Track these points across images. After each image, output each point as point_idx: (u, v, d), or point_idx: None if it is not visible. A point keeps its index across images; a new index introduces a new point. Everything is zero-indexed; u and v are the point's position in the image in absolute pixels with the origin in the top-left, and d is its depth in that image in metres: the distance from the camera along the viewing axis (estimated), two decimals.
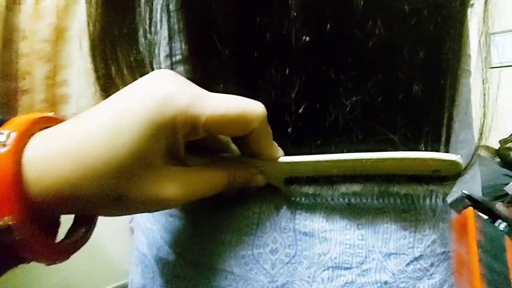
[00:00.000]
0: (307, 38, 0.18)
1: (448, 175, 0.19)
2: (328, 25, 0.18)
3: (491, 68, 0.22)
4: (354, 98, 0.18)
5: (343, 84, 0.18)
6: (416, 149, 0.19)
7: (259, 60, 0.19)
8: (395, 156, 0.18)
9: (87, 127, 0.15)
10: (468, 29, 0.22)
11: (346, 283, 0.19)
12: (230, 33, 0.19)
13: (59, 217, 0.19)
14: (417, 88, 0.18)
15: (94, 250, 1.42)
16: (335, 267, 0.19)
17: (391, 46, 0.18)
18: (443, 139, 0.20)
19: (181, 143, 0.17)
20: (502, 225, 0.16)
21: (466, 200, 0.17)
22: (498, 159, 1.74)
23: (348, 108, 0.18)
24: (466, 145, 0.24)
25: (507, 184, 1.44)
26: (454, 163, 0.17)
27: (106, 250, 1.48)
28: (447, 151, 0.20)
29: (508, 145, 1.64)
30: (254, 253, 0.20)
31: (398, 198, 0.20)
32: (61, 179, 0.14)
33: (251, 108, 0.17)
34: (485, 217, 0.16)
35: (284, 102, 0.19)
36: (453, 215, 0.18)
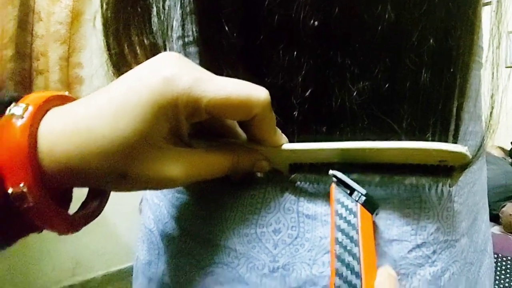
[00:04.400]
0: (316, 22, 0.18)
1: (455, 165, 0.19)
2: (337, 9, 0.18)
3: (507, 67, 0.22)
4: (360, 84, 0.18)
5: (350, 69, 0.18)
6: (423, 139, 0.18)
7: (266, 43, 0.19)
8: (398, 146, 0.18)
9: (96, 107, 0.16)
10: (480, 18, 0.21)
11: None
12: (238, 15, 0.19)
13: (71, 192, 0.20)
14: (426, 76, 0.18)
15: (105, 230, 1.46)
16: None
17: (400, 31, 0.18)
18: (451, 129, 0.19)
19: (184, 124, 0.17)
20: (357, 196, 0.19)
21: (333, 178, 0.19)
22: (510, 160, 1.74)
23: (354, 94, 0.18)
24: (475, 137, 0.23)
25: None
26: (460, 154, 0.17)
27: (117, 231, 1.52)
28: (455, 142, 0.20)
29: None
30: (257, 232, 0.21)
31: (402, 187, 0.20)
32: (70, 153, 0.15)
33: (254, 93, 0.17)
34: (347, 190, 0.19)
35: (290, 86, 0.19)
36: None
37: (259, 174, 0.22)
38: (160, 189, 0.19)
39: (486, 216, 0.26)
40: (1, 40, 1.00)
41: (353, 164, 0.20)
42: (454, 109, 0.19)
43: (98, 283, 1.47)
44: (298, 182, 0.21)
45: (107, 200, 0.21)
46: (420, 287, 0.19)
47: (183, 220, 0.24)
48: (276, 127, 0.19)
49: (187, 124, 0.18)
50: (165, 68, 0.16)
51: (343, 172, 0.20)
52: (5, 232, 0.16)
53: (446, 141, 0.19)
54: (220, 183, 0.21)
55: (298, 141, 0.20)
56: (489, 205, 0.27)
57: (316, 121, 0.19)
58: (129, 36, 0.22)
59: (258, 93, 0.17)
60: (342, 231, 0.17)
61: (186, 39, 0.22)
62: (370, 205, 0.18)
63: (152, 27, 0.22)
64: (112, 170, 0.16)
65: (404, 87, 0.18)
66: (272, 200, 0.21)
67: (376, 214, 0.19)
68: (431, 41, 0.18)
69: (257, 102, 0.17)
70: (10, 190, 0.14)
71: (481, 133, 0.24)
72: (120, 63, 0.23)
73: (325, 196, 0.20)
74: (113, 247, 1.54)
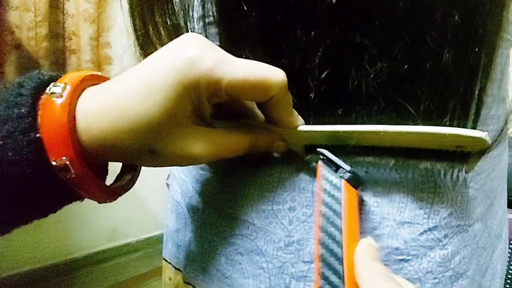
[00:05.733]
0: (333, 0, 0.17)
1: (472, 151, 0.18)
2: None
3: None
4: (378, 65, 0.18)
5: (368, 49, 0.18)
6: (440, 123, 0.18)
7: (284, 22, 0.19)
8: (414, 130, 0.17)
9: (127, 87, 0.17)
10: None
11: None
12: None
13: (106, 166, 0.22)
14: (448, 56, 0.17)
15: (136, 203, 1.57)
16: None
17: (423, 7, 0.17)
18: (472, 113, 0.19)
19: (206, 104, 0.18)
20: (341, 172, 0.19)
21: (320, 156, 0.20)
22: None
23: (371, 76, 0.18)
24: (497, 121, 0.22)
25: None
26: (479, 140, 0.17)
27: (147, 203, 1.63)
28: (475, 126, 0.19)
29: None
30: (273, 208, 0.22)
31: (417, 171, 0.20)
32: (104, 130, 0.17)
33: (271, 75, 0.17)
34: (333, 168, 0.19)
35: (307, 67, 0.19)
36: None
37: (276, 154, 0.22)
38: (184, 165, 0.20)
39: (503, 201, 0.26)
40: (35, 18, 1.04)
41: (368, 147, 0.20)
42: (476, 92, 0.18)
43: (132, 248, 1.60)
44: (314, 163, 0.21)
45: (138, 174, 0.23)
46: (429, 267, 0.20)
47: (206, 195, 0.26)
48: (293, 109, 0.20)
49: (208, 105, 0.18)
50: (188, 50, 0.17)
51: (358, 155, 0.20)
52: (50, 200, 0.18)
53: (465, 125, 0.19)
54: (239, 161, 0.22)
55: (314, 123, 0.20)
56: (508, 191, 0.27)
57: (332, 103, 0.20)
58: (153, 17, 0.23)
59: (275, 75, 0.17)
60: (326, 204, 0.18)
61: (206, 20, 0.22)
62: (355, 181, 0.19)
63: (175, 7, 0.23)
64: (142, 146, 0.17)
65: (424, 68, 0.18)
66: (288, 180, 0.22)
67: (362, 190, 0.20)
68: (456, 17, 0.17)
69: (274, 84, 0.17)
70: (54, 163, 0.16)
71: (504, 117, 0.23)
72: (146, 44, 0.24)
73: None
74: (143, 217, 1.65)
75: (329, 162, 0.19)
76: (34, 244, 1.29)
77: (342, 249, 0.17)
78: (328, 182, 0.19)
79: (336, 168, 0.19)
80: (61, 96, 0.16)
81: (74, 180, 0.17)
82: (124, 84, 0.17)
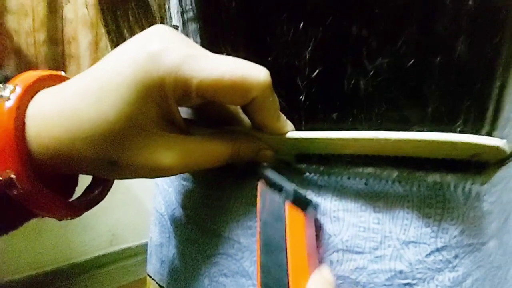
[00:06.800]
0: None
1: (489, 160, 0.16)
2: None
3: None
4: (379, 61, 0.15)
5: (366, 42, 0.15)
6: (452, 128, 0.16)
7: (268, 13, 0.16)
8: (420, 137, 0.15)
9: (83, 86, 0.15)
10: None
11: (356, 268, 0.18)
12: None
13: (76, 177, 0.20)
14: (461, 48, 0.15)
15: (137, 208, 1.58)
16: (346, 250, 0.18)
17: None
18: (488, 116, 0.16)
19: (175, 108, 0.16)
20: (285, 194, 0.16)
21: (261, 173, 0.17)
22: None
23: (371, 73, 0.16)
24: None
25: None
26: (497, 148, 0.14)
27: (147, 208, 1.64)
28: (492, 131, 0.16)
29: None
30: None
31: (423, 184, 0.17)
32: (57, 137, 0.15)
33: (251, 73, 0.15)
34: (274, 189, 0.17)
35: (295, 65, 0.16)
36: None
37: (264, 164, 0.20)
38: (153, 178, 0.18)
39: None
40: (33, 23, 1.04)
41: (368, 156, 0.17)
42: (495, 91, 0.16)
43: (132, 253, 1.61)
44: (307, 173, 0.19)
45: (110, 186, 0.21)
46: None
47: (189, 208, 0.24)
48: (280, 113, 0.17)
49: (177, 108, 0.16)
50: (152, 43, 0.15)
51: (355, 166, 0.18)
52: (4, 218, 0.16)
53: (480, 130, 0.16)
54: (224, 171, 0.20)
55: (305, 129, 0.18)
56: None
57: (325, 106, 0.17)
58: (126, 11, 0.21)
59: (256, 74, 0.15)
60: (266, 235, 0.16)
61: (185, 16, 0.20)
62: (301, 203, 0.16)
63: (151, 6, 0.21)
64: (101, 157, 0.15)
65: (433, 63, 0.15)
66: None
67: (310, 212, 0.17)
68: (470, 1, 0.14)
69: (255, 84, 0.15)
70: None
71: None
72: (119, 42, 0.22)
73: (336, 190, 0.19)
74: (144, 222, 1.66)
75: (270, 184, 0.17)
76: (35, 249, 1.32)
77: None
78: (269, 210, 0.16)
79: (279, 189, 0.16)
80: (8, 99, 0.14)
81: (23, 196, 0.14)
82: (80, 84, 0.15)
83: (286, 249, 0.15)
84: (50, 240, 1.34)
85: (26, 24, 1.02)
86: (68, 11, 1.11)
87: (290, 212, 0.16)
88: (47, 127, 0.15)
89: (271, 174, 0.17)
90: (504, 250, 0.21)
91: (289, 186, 0.16)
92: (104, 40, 1.22)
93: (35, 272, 1.30)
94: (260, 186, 0.17)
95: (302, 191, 0.18)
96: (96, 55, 1.19)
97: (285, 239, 0.15)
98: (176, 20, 0.21)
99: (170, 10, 0.21)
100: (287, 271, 0.14)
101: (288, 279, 0.14)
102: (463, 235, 0.18)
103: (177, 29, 0.20)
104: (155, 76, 0.14)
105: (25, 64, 1.05)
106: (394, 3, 0.15)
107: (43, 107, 0.15)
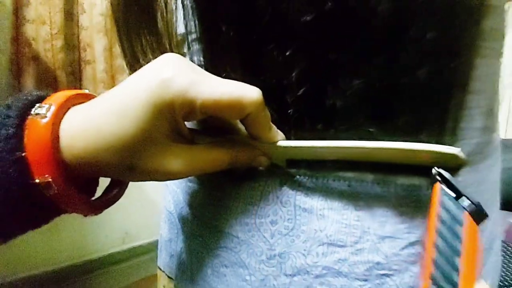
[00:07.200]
0: (307, 17, 0.17)
1: (447, 167, 0.18)
2: (329, 2, 0.17)
3: None
4: (354, 83, 0.18)
5: (343, 67, 0.18)
6: (418, 138, 0.18)
7: (260, 40, 0.19)
8: (388, 146, 0.17)
9: (105, 108, 0.18)
10: (499, 2, 0.19)
11: (339, 259, 0.20)
12: (234, 13, 0.19)
13: (96, 179, 0.23)
14: (423, 72, 0.17)
15: (148, 207, 1.62)
16: (330, 243, 0.21)
17: (397, 24, 0.17)
18: (449, 127, 0.18)
19: (182, 123, 0.19)
20: (466, 203, 0.16)
21: (436, 176, 0.17)
22: None
23: (348, 93, 0.18)
24: (484, 133, 0.22)
25: None
26: (452, 156, 0.16)
27: (159, 206, 1.67)
28: (452, 141, 0.19)
29: None
30: (256, 221, 0.22)
31: (400, 186, 0.20)
32: (85, 148, 0.18)
33: (246, 94, 0.18)
34: (453, 194, 0.17)
35: (284, 84, 0.19)
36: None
37: (260, 168, 0.23)
38: (164, 181, 0.21)
39: (494, 214, 0.25)
40: (51, 31, 1.09)
41: (349, 162, 0.20)
42: (454, 107, 0.18)
43: (144, 250, 1.64)
44: (297, 176, 0.22)
45: (126, 187, 0.24)
46: (411, 282, 0.19)
47: (194, 207, 0.26)
48: (272, 124, 0.20)
49: (184, 123, 0.19)
50: (163, 71, 0.17)
51: (339, 170, 0.20)
52: (37, 215, 0.19)
53: (442, 140, 0.18)
54: (225, 175, 0.23)
55: (295, 138, 0.20)
56: (509, 195, 0.25)
57: (311, 119, 0.20)
58: (139, 37, 0.24)
59: (250, 94, 0.18)
60: (444, 238, 0.16)
61: (189, 37, 0.23)
62: (478, 215, 0.16)
63: (158, 26, 0.23)
64: (121, 164, 0.18)
65: (400, 84, 0.18)
66: (270, 193, 0.22)
67: (481, 227, 0.17)
68: (430, 33, 0.17)
69: (249, 103, 0.18)
70: (37, 180, 0.17)
71: (493, 128, 0.22)
72: (134, 64, 0.25)
73: (322, 191, 0.21)
74: (155, 220, 1.69)
75: (448, 187, 0.17)
76: (52, 246, 1.35)
77: None
78: (447, 212, 0.16)
79: (457, 196, 0.17)
80: (45, 116, 0.17)
81: (57, 196, 0.17)
82: (103, 105, 0.18)
83: (460, 252, 0.16)
84: (66, 238, 1.38)
85: (44, 32, 1.07)
86: (84, 19, 1.15)
87: (468, 220, 0.16)
88: (77, 139, 0.18)
89: (451, 178, 0.17)
90: None
91: (471, 197, 0.17)
92: (117, 47, 1.26)
93: (51, 268, 1.34)
94: (440, 186, 0.17)
95: (300, 191, 0.19)
96: (110, 60, 1.23)
97: (461, 243, 0.16)
98: (181, 40, 0.24)
99: (176, 32, 0.24)
100: (458, 272, 0.15)
101: (459, 280, 0.15)
102: None
103: (184, 55, 0.23)
104: (166, 98, 0.17)
105: (43, 70, 1.10)
106: (366, 36, 0.17)
107: (73, 123, 0.18)
